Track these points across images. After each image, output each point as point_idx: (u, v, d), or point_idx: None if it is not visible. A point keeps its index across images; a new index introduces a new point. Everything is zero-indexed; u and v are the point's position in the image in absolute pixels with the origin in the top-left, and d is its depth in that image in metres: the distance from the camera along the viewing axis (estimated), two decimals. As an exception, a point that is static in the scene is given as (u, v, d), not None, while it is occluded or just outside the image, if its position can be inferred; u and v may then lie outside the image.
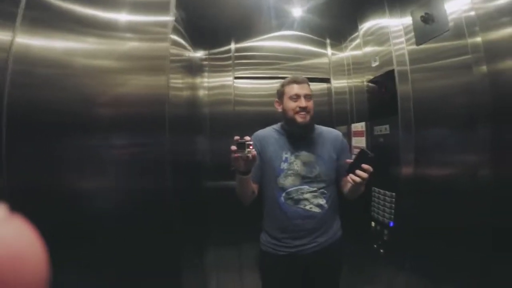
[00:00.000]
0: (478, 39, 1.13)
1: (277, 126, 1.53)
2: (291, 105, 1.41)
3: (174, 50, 1.56)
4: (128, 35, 0.96)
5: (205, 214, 2.09)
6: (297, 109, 1.40)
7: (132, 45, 0.97)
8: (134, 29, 0.97)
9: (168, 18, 1.10)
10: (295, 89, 1.42)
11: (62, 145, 0.93)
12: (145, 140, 0.99)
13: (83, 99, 0.95)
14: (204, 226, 2.09)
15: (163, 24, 1.09)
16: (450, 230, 1.32)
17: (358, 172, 1.22)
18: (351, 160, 1.29)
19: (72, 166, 0.93)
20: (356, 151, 2.07)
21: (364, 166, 1.21)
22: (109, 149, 0.97)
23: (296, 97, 1.41)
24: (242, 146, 1.15)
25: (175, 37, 1.57)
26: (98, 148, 0.95)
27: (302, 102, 1.39)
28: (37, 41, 0.96)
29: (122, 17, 0.99)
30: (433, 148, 1.46)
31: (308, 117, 1.41)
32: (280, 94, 1.48)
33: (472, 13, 1.15)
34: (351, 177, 1.24)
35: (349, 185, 1.37)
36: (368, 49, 1.93)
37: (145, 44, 1.01)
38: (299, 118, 1.40)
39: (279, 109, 1.50)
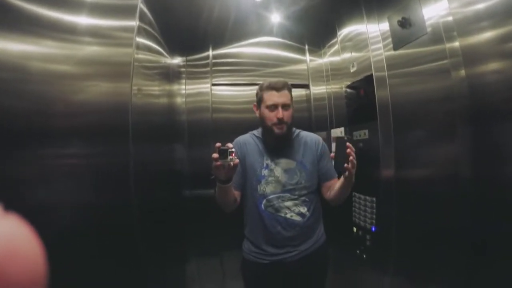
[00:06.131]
0: (456, 43, 1.15)
1: (257, 132, 1.49)
2: (268, 115, 1.36)
3: (149, 57, 1.51)
4: (88, 39, 0.90)
5: (185, 223, 2.03)
6: (274, 120, 1.34)
7: (92, 49, 0.90)
8: (95, 33, 0.91)
9: (133, 22, 1.05)
10: (273, 97, 1.35)
11: (14, 155, 0.86)
12: (106, 150, 0.92)
13: (39, 105, 0.88)
14: (184, 235, 2.03)
15: (127, 29, 1.04)
16: (432, 232, 1.33)
17: (348, 163, 1.17)
18: (333, 153, 1.26)
19: (25, 178, 0.86)
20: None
21: (348, 151, 1.17)
22: (66, 160, 0.90)
23: (274, 107, 1.35)
24: (224, 153, 1.10)
25: (149, 43, 1.52)
26: (54, 159, 0.88)
27: (280, 113, 1.33)
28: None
29: (83, 20, 0.93)
30: (413, 151, 1.47)
31: (285, 128, 1.36)
32: (259, 99, 1.42)
33: (450, 18, 1.17)
34: (346, 168, 1.18)
35: (336, 188, 1.35)
36: (346, 55, 1.95)
37: (107, 49, 0.96)
38: (276, 129, 1.35)
39: (257, 113, 1.45)
